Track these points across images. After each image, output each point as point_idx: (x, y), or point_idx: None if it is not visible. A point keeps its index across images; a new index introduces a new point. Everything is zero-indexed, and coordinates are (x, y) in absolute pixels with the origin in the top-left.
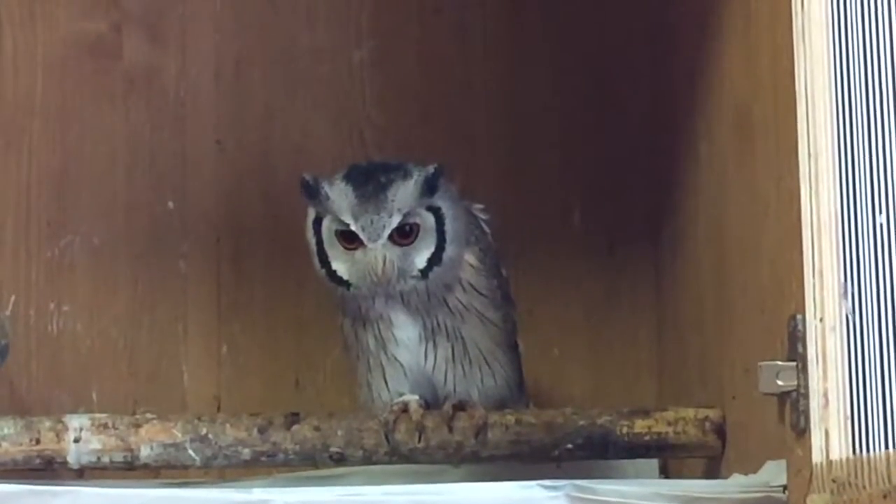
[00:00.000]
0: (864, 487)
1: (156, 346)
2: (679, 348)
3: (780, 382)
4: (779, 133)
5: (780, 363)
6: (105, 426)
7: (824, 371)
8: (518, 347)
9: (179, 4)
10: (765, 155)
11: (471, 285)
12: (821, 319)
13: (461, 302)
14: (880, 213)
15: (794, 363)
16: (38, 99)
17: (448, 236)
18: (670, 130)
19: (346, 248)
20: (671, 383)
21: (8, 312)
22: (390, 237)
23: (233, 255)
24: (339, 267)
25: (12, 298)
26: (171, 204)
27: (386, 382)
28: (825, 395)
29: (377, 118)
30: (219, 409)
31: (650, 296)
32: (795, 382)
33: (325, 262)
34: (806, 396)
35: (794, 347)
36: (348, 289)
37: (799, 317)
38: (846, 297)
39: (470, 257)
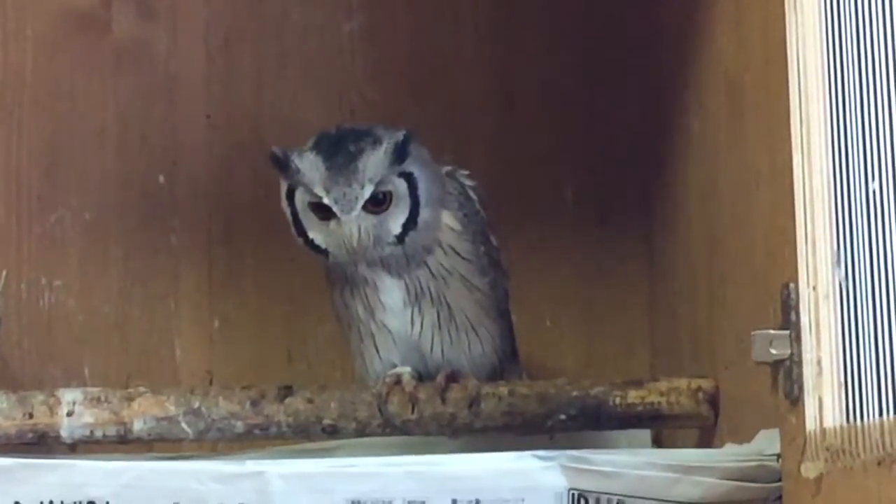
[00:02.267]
0: (859, 455)
1: (148, 321)
2: (672, 318)
3: (773, 351)
4: (770, 102)
5: (773, 332)
6: (98, 400)
7: (817, 339)
8: (510, 315)
9: None
10: (756, 124)
11: (452, 248)
12: (814, 287)
13: (443, 266)
14: (873, 180)
15: (787, 332)
16: (28, 74)
17: (422, 200)
18: (662, 101)
19: (320, 219)
20: (664, 353)
21: None
22: (363, 206)
23: (224, 229)
24: (317, 237)
25: (3, 274)
26: (161, 179)
27: (377, 351)
28: (818, 363)
29: (368, 92)
30: (211, 382)
31: (642, 266)
32: (789, 351)
33: (302, 232)
34: (799, 365)
35: (787, 316)
36: (327, 258)
37: (792, 285)
38: (839, 265)
39: (449, 220)
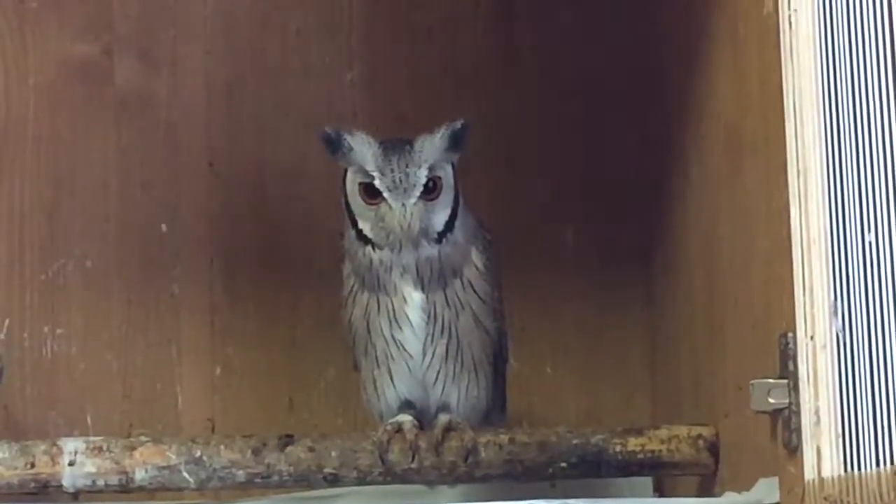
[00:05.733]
0: None
1: (150, 369)
2: (672, 366)
3: (771, 400)
4: (768, 151)
5: (771, 381)
6: (100, 449)
7: (815, 389)
8: (505, 371)
9: (170, 27)
10: (754, 173)
11: (471, 284)
12: (811, 337)
13: (458, 298)
14: (869, 231)
15: (785, 381)
16: (31, 123)
17: (461, 203)
18: (661, 149)
19: (368, 201)
20: (664, 401)
21: (2, 336)
22: None
23: (226, 276)
24: (364, 226)
25: (6, 322)
26: (163, 227)
27: (392, 378)
28: (817, 412)
29: None
30: (213, 430)
31: (643, 314)
32: (787, 400)
33: (354, 222)
34: (798, 414)
35: (786, 365)
36: (374, 249)
37: (790, 335)
38: (836, 315)
39: (476, 258)
